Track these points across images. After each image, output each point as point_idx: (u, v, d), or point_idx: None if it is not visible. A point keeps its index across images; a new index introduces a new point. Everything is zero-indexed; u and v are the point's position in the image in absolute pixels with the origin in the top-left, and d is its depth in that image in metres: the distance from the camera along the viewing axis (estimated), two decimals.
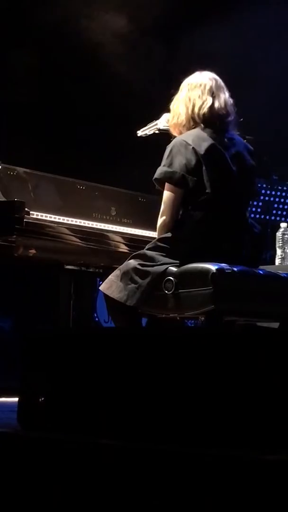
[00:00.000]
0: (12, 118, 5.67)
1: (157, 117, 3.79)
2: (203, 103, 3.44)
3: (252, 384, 2.36)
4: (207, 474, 2.14)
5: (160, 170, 3.41)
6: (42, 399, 2.73)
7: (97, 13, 5.66)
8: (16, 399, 2.85)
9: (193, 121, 3.45)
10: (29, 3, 5.76)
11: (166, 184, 3.41)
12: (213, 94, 3.47)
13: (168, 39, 5.86)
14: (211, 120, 3.44)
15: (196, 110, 3.43)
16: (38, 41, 5.81)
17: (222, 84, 3.53)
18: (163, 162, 3.42)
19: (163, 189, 3.45)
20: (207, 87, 3.47)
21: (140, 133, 3.86)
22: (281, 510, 2.01)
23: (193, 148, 3.35)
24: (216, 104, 3.45)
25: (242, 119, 3.55)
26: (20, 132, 5.50)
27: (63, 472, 2.39)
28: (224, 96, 3.49)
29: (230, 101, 3.51)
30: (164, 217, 3.43)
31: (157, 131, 3.79)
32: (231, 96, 3.53)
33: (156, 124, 3.79)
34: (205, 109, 3.43)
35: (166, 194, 3.42)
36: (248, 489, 2.07)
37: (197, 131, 3.42)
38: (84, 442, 2.47)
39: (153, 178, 3.44)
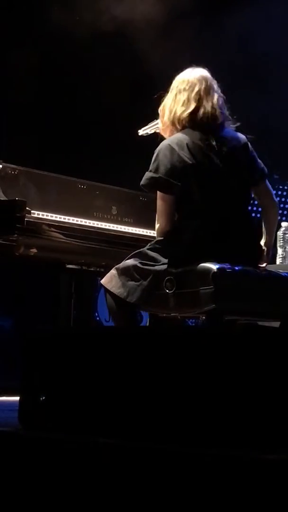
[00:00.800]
0: (12, 117, 5.67)
1: (158, 116, 3.79)
2: (187, 109, 3.39)
3: (253, 383, 2.36)
4: (207, 474, 2.14)
5: (146, 176, 3.40)
6: (43, 398, 2.73)
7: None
8: (17, 398, 2.85)
9: (180, 124, 3.42)
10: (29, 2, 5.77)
11: (157, 191, 3.40)
12: (200, 98, 3.41)
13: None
14: (198, 124, 3.41)
15: (182, 114, 3.39)
16: (38, 40, 5.81)
17: (213, 83, 3.47)
18: (150, 167, 3.41)
19: (154, 193, 3.45)
20: (195, 90, 3.41)
21: (141, 132, 3.85)
22: (282, 510, 2.01)
23: (178, 154, 3.33)
24: (202, 110, 3.39)
25: (235, 116, 3.51)
26: (21, 131, 5.50)
27: (63, 471, 2.39)
28: (213, 98, 3.42)
29: (221, 100, 3.45)
30: (159, 224, 3.43)
31: (158, 130, 3.77)
32: (229, 90, 3.50)
33: (157, 123, 3.78)
34: (189, 114, 3.38)
35: (158, 201, 3.41)
36: (248, 488, 2.07)
37: (183, 134, 3.39)
38: (85, 441, 2.47)
39: (140, 184, 3.43)
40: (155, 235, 3.57)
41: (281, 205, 6.12)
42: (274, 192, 3.71)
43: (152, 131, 3.81)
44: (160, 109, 3.53)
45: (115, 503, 2.26)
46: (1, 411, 3.60)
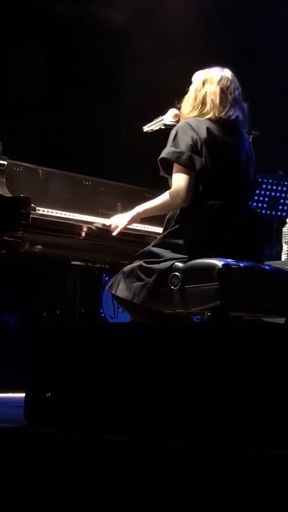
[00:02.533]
0: (17, 113, 5.67)
1: (163, 112, 3.79)
2: (227, 105, 3.44)
3: (258, 379, 2.36)
4: (213, 470, 2.14)
5: (167, 150, 3.40)
6: (49, 394, 2.73)
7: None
8: (23, 395, 2.86)
9: (208, 113, 3.44)
10: None
11: (176, 166, 3.38)
12: (237, 99, 3.48)
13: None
14: (225, 121, 3.44)
15: (220, 108, 3.42)
16: (42, 38, 5.81)
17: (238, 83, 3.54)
18: (168, 143, 3.41)
19: (168, 172, 3.44)
20: (235, 89, 3.48)
21: (146, 128, 3.85)
22: (286, 505, 2.02)
23: (197, 132, 3.36)
24: (237, 111, 3.46)
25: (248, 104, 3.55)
26: (26, 128, 5.50)
27: (69, 468, 2.39)
28: (241, 102, 3.50)
29: (245, 105, 3.53)
30: (175, 200, 3.38)
31: (163, 127, 3.78)
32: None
33: (162, 120, 3.79)
34: (227, 111, 3.43)
35: (179, 175, 3.37)
36: (253, 484, 2.07)
37: (204, 120, 3.42)
38: (90, 438, 2.47)
39: (159, 158, 3.43)
40: (161, 231, 3.58)
41: (286, 201, 6.11)
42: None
43: (157, 128, 3.81)
44: (192, 93, 3.50)
45: (121, 499, 2.26)
46: (7, 408, 3.61)
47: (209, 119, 3.43)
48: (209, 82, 3.48)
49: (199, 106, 3.46)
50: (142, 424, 2.49)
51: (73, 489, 2.35)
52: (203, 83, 3.49)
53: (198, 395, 2.42)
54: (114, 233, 3.68)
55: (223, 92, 3.46)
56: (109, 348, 2.67)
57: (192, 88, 3.52)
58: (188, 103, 3.51)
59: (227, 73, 3.52)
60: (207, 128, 3.39)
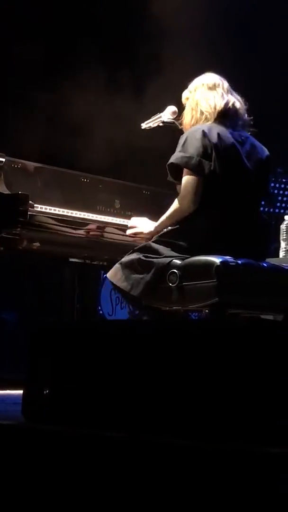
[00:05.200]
0: (16, 110, 5.66)
1: (161, 109, 3.79)
2: (223, 100, 3.46)
3: (256, 376, 2.36)
4: (210, 467, 2.14)
5: (176, 156, 3.41)
6: (47, 391, 2.74)
7: None
8: (20, 392, 2.86)
9: (211, 118, 3.45)
10: None
11: (185, 170, 3.40)
12: (230, 93, 3.52)
13: None
14: (228, 117, 3.45)
15: (217, 106, 3.45)
16: (42, 30, 5.80)
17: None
18: (178, 149, 3.42)
19: (176, 178, 3.45)
20: (225, 87, 3.52)
21: (144, 125, 3.85)
22: (285, 502, 2.02)
23: (207, 136, 3.37)
24: (235, 103, 3.49)
25: (251, 117, 3.57)
26: (25, 125, 5.50)
27: (66, 465, 2.39)
28: (236, 97, 3.53)
29: (242, 101, 3.55)
30: (181, 205, 3.39)
31: (161, 124, 3.78)
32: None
33: (160, 117, 3.79)
34: (226, 105, 3.45)
35: (187, 179, 3.38)
36: (251, 481, 2.07)
37: (212, 124, 3.44)
38: (89, 434, 2.47)
39: (168, 163, 3.44)
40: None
41: (284, 198, 6.12)
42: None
43: (155, 125, 3.81)
44: (189, 104, 3.53)
45: (119, 495, 2.26)
46: (5, 404, 3.61)
47: (218, 123, 3.44)
48: (196, 90, 3.52)
49: (198, 114, 3.48)
50: (140, 421, 2.50)
51: (70, 485, 2.35)
52: (194, 92, 3.52)
53: (196, 392, 2.42)
54: (129, 232, 3.65)
55: (210, 89, 3.50)
56: (107, 345, 2.67)
57: (188, 103, 3.55)
58: (187, 116, 3.53)
59: (210, 74, 3.57)
60: (218, 134, 3.39)
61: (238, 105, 3.51)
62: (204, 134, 3.38)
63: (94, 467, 2.34)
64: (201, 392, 2.41)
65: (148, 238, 3.55)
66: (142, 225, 3.63)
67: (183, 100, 3.60)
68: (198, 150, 3.36)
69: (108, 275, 3.49)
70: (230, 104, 3.48)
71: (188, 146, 3.38)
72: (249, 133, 3.62)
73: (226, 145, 3.39)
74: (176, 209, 3.45)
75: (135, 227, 3.64)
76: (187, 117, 3.54)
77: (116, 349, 2.64)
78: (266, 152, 3.57)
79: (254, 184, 3.48)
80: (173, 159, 3.42)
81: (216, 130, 3.40)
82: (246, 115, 3.55)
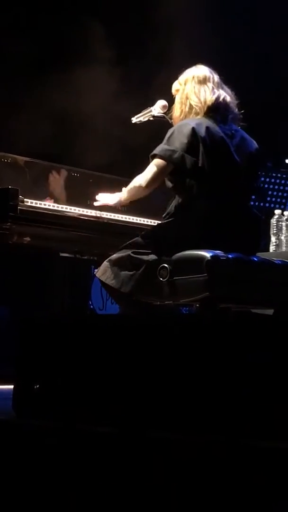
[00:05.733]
0: (4, 104, 5.64)
1: (151, 103, 3.79)
2: (213, 95, 3.46)
3: (247, 371, 2.36)
4: (202, 461, 2.14)
5: (161, 148, 3.41)
6: (37, 386, 2.73)
7: None
8: (11, 387, 2.85)
9: (200, 112, 3.45)
10: None
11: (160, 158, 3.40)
12: (221, 87, 3.52)
13: None
14: (218, 112, 3.45)
15: (207, 101, 3.44)
16: (36, 32, 5.78)
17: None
18: (164, 141, 3.42)
19: None
20: (215, 80, 3.52)
21: (134, 120, 3.85)
22: (277, 496, 2.02)
23: (195, 131, 3.36)
24: (226, 97, 3.48)
25: (242, 111, 3.56)
26: (14, 118, 5.48)
27: (58, 460, 2.39)
28: (226, 90, 3.53)
29: (233, 94, 3.55)
30: (145, 183, 3.44)
31: (151, 118, 3.78)
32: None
33: (150, 111, 3.78)
34: (216, 100, 3.45)
35: (157, 164, 3.40)
36: (243, 475, 2.07)
37: (201, 119, 3.43)
38: (79, 429, 2.47)
39: (151, 154, 3.44)
40: (150, 222, 3.58)
41: (274, 193, 6.12)
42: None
43: (146, 119, 3.81)
44: (179, 97, 3.52)
45: (110, 490, 2.26)
46: None
47: (207, 117, 3.43)
48: (186, 83, 3.51)
49: (188, 107, 3.47)
50: (131, 416, 2.49)
51: (61, 480, 2.35)
52: (185, 85, 3.51)
53: (187, 386, 2.42)
54: (96, 204, 3.72)
55: (201, 83, 3.49)
56: (97, 339, 2.67)
57: (178, 96, 3.54)
58: (177, 110, 3.52)
59: (201, 67, 3.56)
60: (207, 128, 3.39)
61: (228, 99, 3.51)
62: (192, 129, 3.37)
63: (85, 462, 2.34)
64: (191, 386, 2.41)
65: (115, 207, 3.69)
66: (108, 198, 3.68)
67: (173, 91, 3.59)
68: (183, 145, 3.35)
69: (97, 273, 3.49)
70: (220, 99, 3.47)
71: (174, 139, 3.38)
72: (239, 127, 3.62)
73: (215, 140, 3.39)
74: (135, 185, 3.48)
75: (101, 202, 3.71)
76: (176, 111, 3.53)
77: (106, 344, 2.63)
78: (255, 145, 3.57)
79: (244, 178, 3.48)
80: (157, 150, 3.42)
81: (205, 125, 3.39)
82: (236, 109, 3.54)
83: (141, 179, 3.46)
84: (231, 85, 3.60)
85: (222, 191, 3.39)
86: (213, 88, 3.48)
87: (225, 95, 3.50)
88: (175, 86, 3.58)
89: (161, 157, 3.39)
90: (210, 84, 3.49)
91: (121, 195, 3.62)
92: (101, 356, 2.63)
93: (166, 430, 2.37)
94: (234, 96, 3.56)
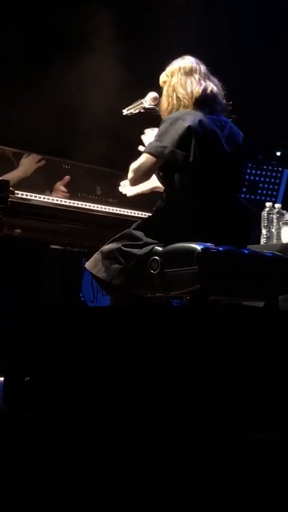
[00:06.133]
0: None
1: (142, 95, 3.78)
2: (200, 87, 3.45)
3: (238, 363, 2.37)
4: (194, 454, 2.15)
5: (152, 145, 3.42)
6: (28, 378, 2.73)
7: None
8: (1, 379, 2.85)
9: (188, 104, 3.45)
10: None
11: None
12: (208, 78, 3.51)
13: None
14: (206, 103, 3.45)
15: (194, 93, 3.44)
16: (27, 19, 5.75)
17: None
18: (155, 137, 3.42)
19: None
20: (202, 72, 3.51)
21: (125, 112, 3.84)
22: (269, 489, 2.03)
23: (187, 124, 3.36)
24: (213, 88, 3.48)
25: (230, 102, 3.56)
26: (4, 109, 5.46)
27: (49, 451, 2.39)
28: (214, 81, 3.52)
29: (220, 85, 3.54)
30: (133, 180, 3.47)
31: (142, 110, 3.77)
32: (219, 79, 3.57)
33: (141, 103, 3.78)
34: (203, 92, 3.45)
35: (147, 160, 3.42)
36: (234, 468, 2.08)
37: (191, 111, 3.43)
38: (70, 421, 2.47)
39: (143, 151, 3.44)
40: (141, 214, 3.58)
41: (265, 185, 6.12)
42: None
43: (137, 111, 3.80)
44: (166, 90, 3.52)
45: (100, 482, 2.27)
46: None
47: (196, 109, 3.43)
48: (173, 75, 3.51)
49: (176, 100, 3.46)
50: (121, 407, 2.50)
51: (51, 473, 2.35)
52: (171, 77, 3.51)
53: (178, 379, 2.42)
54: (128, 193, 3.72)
55: (187, 75, 3.49)
56: (89, 332, 2.67)
57: (164, 88, 3.54)
58: (164, 102, 3.52)
59: (187, 58, 3.56)
60: (199, 120, 3.38)
61: (215, 90, 3.51)
62: (184, 124, 3.37)
63: (76, 453, 2.35)
64: (182, 379, 2.41)
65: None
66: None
67: (161, 83, 3.59)
68: (174, 140, 3.35)
69: (87, 265, 3.50)
70: (208, 90, 3.47)
71: (166, 135, 3.38)
72: (230, 119, 3.62)
73: (207, 132, 3.39)
74: (130, 180, 3.51)
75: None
76: (164, 103, 3.53)
77: (96, 336, 2.63)
78: (242, 135, 3.57)
79: (234, 169, 3.49)
80: (148, 148, 3.42)
81: (195, 117, 3.39)
82: (224, 100, 3.54)
83: (130, 175, 3.47)
84: (224, 76, 3.60)
85: (213, 183, 3.40)
86: (199, 80, 3.48)
87: (213, 86, 3.49)
88: (162, 77, 3.58)
89: (152, 154, 3.40)
90: (196, 76, 3.49)
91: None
92: (92, 348, 2.63)
93: (157, 422, 2.38)
94: (222, 87, 3.55)
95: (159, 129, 3.43)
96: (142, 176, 3.46)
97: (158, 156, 3.38)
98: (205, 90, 3.46)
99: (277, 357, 2.32)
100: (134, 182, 3.49)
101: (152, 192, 3.70)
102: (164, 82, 3.55)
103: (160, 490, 2.13)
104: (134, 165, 3.46)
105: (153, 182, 3.61)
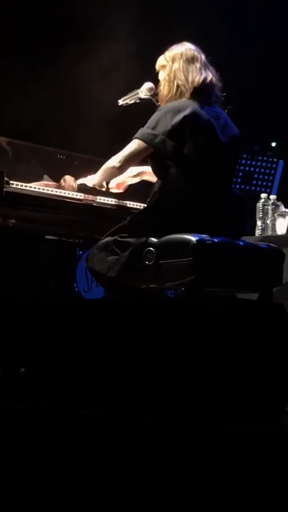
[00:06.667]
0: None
1: (138, 86, 3.77)
2: (201, 76, 3.44)
3: (232, 356, 2.37)
4: (187, 445, 2.15)
5: (143, 131, 3.41)
6: (23, 370, 2.73)
7: None
8: None
9: (186, 92, 3.43)
10: None
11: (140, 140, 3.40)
12: (207, 67, 3.50)
13: None
14: (204, 93, 3.44)
15: (194, 82, 3.42)
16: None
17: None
18: (147, 124, 3.41)
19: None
20: (202, 60, 3.50)
21: (121, 102, 3.83)
22: (260, 480, 2.04)
23: (182, 115, 3.35)
24: (212, 79, 3.47)
25: (224, 94, 3.55)
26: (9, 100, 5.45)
27: (44, 444, 2.39)
28: (212, 71, 3.51)
29: (217, 76, 3.53)
30: (120, 163, 3.46)
31: (138, 100, 3.77)
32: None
33: (137, 93, 3.77)
34: (203, 81, 3.43)
35: (136, 145, 3.42)
36: (227, 459, 2.09)
37: (187, 101, 3.41)
38: (65, 413, 2.47)
39: (134, 136, 3.43)
40: (136, 205, 3.59)
41: (260, 176, 6.12)
42: None
43: (132, 101, 3.79)
44: (166, 75, 3.49)
45: (94, 475, 2.27)
46: None
47: (192, 99, 3.41)
48: (174, 61, 3.48)
49: (176, 87, 3.45)
50: (117, 399, 2.50)
51: (48, 465, 2.35)
52: (172, 62, 3.48)
53: (173, 371, 2.43)
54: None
55: (189, 63, 3.46)
56: (84, 322, 2.67)
57: (165, 72, 3.50)
58: (165, 87, 3.50)
59: (188, 45, 3.53)
60: (194, 111, 3.37)
61: (214, 80, 3.50)
62: (177, 114, 3.35)
63: (71, 445, 2.35)
64: (177, 371, 2.42)
65: (94, 190, 3.67)
66: (87, 180, 3.71)
67: (157, 66, 3.55)
68: (167, 130, 3.35)
69: (85, 261, 3.52)
70: (207, 80, 3.46)
71: (159, 123, 3.37)
72: (225, 110, 3.61)
73: (202, 121, 3.38)
74: (108, 166, 3.51)
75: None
76: (165, 90, 3.49)
77: (93, 327, 2.63)
78: (237, 130, 3.57)
79: (228, 159, 3.48)
80: (138, 134, 3.42)
81: (191, 108, 3.38)
82: (219, 92, 3.53)
83: (115, 159, 3.47)
84: (217, 66, 3.58)
85: (208, 173, 3.39)
86: (200, 69, 3.46)
87: (211, 76, 3.49)
88: (161, 61, 3.53)
89: (142, 140, 3.39)
90: (197, 64, 3.47)
91: (93, 180, 3.63)
92: (87, 339, 2.63)
93: (151, 414, 2.38)
94: (218, 78, 3.54)
95: (153, 117, 3.42)
96: (128, 160, 3.44)
97: (148, 143, 3.37)
98: (204, 80, 3.45)
99: (270, 350, 2.32)
100: (120, 166, 3.47)
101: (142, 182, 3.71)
102: (163, 66, 3.51)
103: (157, 484, 2.14)
104: (116, 155, 3.45)
105: (140, 172, 3.62)
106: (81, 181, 3.76)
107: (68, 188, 3.81)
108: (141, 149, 3.40)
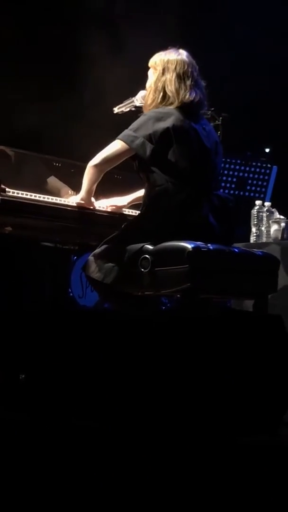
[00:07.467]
0: None
1: (133, 94, 3.79)
2: (190, 96, 3.45)
3: (226, 367, 2.38)
4: (187, 456, 2.17)
5: (125, 133, 3.45)
6: (22, 377, 2.74)
7: None
8: None
9: (174, 102, 3.45)
10: None
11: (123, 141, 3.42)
12: (197, 84, 3.50)
13: None
14: (191, 110, 3.46)
15: (184, 99, 3.44)
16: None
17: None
18: (130, 126, 3.45)
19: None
20: (194, 77, 3.50)
21: (116, 110, 3.85)
22: (254, 491, 2.05)
23: (167, 120, 3.37)
24: (200, 97, 3.48)
25: (212, 109, 3.59)
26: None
27: (42, 451, 2.41)
28: (201, 85, 3.53)
29: (203, 84, 3.54)
30: (98, 162, 3.48)
31: (133, 108, 3.78)
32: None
33: (132, 101, 3.79)
34: (192, 101, 3.45)
35: (116, 146, 3.45)
36: (221, 470, 2.10)
37: (172, 109, 3.44)
38: (64, 423, 2.48)
39: (116, 138, 3.46)
40: (132, 213, 3.60)
41: (254, 182, 6.14)
42: None
43: (127, 109, 3.81)
44: (154, 84, 3.51)
45: (92, 484, 2.28)
46: None
47: (175, 107, 3.44)
48: (167, 71, 3.49)
49: (161, 97, 3.47)
50: (115, 409, 2.51)
51: (46, 473, 2.36)
52: (163, 72, 3.49)
53: (171, 382, 2.44)
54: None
55: (181, 78, 3.47)
56: (82, 330, 2.68)
57: (152, 79, 3.52)
58: (149, 96, 3.52)
59: (183, 55, 3.53)
60: (176, 118, 3.40)
61: (202, 99, 3.51)
62: (161, 118, 3.38)
63: (69, 455, 2.36)
64: (173, 382, 2.43)
65: (85, 203, 3.65)
66: (77, 197, 3.73)
67: (150, 63, 3.54)
68: (147, 133, 3.38)
69: (83, 268, 3.54)
70: (196, 101, 3.47)
71: (140, 127, 3.41)
72: (220, 118, 3.65)
73: (187, 128, 3.41)
74: (87, 169, 3.52)
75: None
76: (148, 99, 3.51)
77: (89, 336, 2.65)
78: (217, 137, 3.62)
79: (215, 163, 3.51)
80: (120, 135, 3.45)
81: (176, 115, 3.41)
82: (206, 107, 3.56)
83: (95, 159, 3.50)
84: (210, 76, 3.60)
85: (195, 178, 3.41)
86: (191, 87, 3.47)
87: (200, 95, 3.49)
88: (154, 62, 3.53)
89: (122, 140, 3.42)
90: (188, 82, 3.47)
91: (80, 194, 3.65)
92: (85, 346, 2.64)
93: (149, 424, 2.39)
94: (205, 92, 3.55)
95: (137, 120, 3.46)
96: (108, 160, 3.46)
97: (129, 144, 3.41)
98: (194, 99, 3.46)
99: (268, 360, 2.34)
100: (99, 164, 3.48)
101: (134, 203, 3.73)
102: (154, 68, 3.52)
103: (156, 494, 2.15)
104: (102, 151, 3.48)
105: (134, 199, 3.64)
106: (72, 198, 3.77)
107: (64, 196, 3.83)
108: (121, 149, 3.44)
